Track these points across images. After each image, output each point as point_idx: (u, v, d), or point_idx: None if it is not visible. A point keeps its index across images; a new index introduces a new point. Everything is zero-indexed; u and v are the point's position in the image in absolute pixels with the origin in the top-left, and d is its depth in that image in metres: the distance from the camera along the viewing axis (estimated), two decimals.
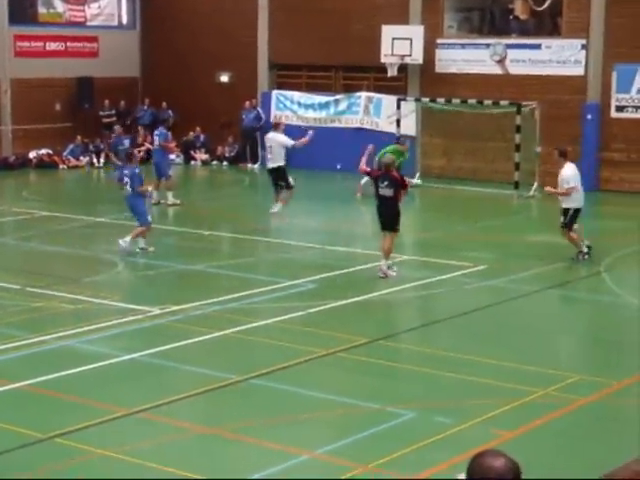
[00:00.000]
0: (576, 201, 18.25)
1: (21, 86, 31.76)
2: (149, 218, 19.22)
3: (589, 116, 27.50)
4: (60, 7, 33.26)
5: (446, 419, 10.61)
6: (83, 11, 33.88)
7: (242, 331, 13.89)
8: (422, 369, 12.41)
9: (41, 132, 31.99)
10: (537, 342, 13.77)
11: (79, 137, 32.39)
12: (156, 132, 25.31)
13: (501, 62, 28.72)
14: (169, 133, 25.77)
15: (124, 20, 35.27)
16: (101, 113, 33.19)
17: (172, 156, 28.01)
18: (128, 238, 18.61)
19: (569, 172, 18.34)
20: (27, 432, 10.10)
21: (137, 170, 19.07)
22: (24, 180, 29.78)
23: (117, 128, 28.82)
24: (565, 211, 18.28)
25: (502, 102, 27.38)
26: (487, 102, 27.61)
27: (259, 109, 32.06)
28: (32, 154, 31.75)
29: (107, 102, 33.15)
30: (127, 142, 27.97)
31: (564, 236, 18.44)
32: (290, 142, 22.89)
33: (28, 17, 32.82)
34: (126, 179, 18.90)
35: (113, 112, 33.43)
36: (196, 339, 13.51)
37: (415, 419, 10.73)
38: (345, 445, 10.00)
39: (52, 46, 32.78)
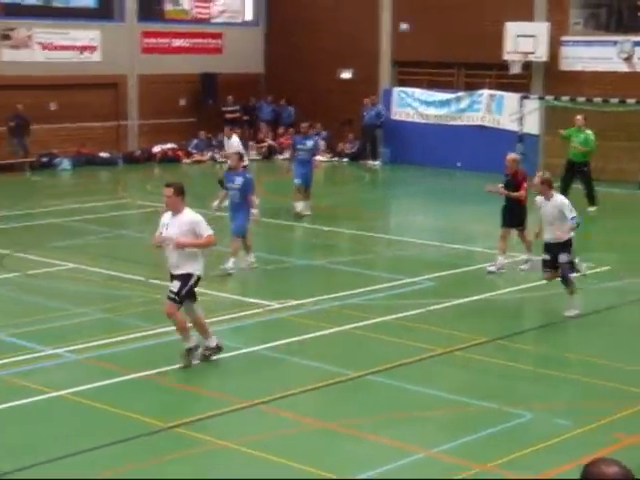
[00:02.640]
0: None
1: (147, 82, 32.44)
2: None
3: None
4: (186, 4, 33.86)
5: (566, 421, 10.47)
6: (208, 8, 34.42)
7: (360, 327, 13.93)
8: (541, 370, 12.27)
9: (165, 127, 32.62)
10: None
11: (202, 132, 32.91)
12: (310, 141, 23.07)
13: (628, 60, 28.13)
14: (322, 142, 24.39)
15: (248, 17, 35.69)
16: (224, 109, 33.64)
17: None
18: (231, 261, 16.93)
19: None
20: (149, 420, 10.33)
21: (249, 176, 17.51)
22: (148, 174, 30.37)
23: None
24: None
25: (628, 100, 26.83)
26: (613, 100, 27.09)
27: (380, 106, 32.07)
28: (156, 148, 32.39)
29: (230, 98, 33.58)
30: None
31: None
32: None
33: (155, 14, 33.48)
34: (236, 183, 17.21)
35: (237, 108, 33.85)
36: (314, 334, 13.60)
37: (534, 420, 10.61)
38: (462, 444, 9.95)
39: (178, 42, 33.38)
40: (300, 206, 22.19)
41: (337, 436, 10.20)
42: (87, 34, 31.34)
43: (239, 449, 9.70)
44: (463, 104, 30.95)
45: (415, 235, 20.86)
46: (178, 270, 12.04)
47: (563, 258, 14.53)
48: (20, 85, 29.56)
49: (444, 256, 18.85)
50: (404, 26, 32.01)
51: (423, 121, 31.55)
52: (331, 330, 13.82)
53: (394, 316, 14.47)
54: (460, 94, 31.00)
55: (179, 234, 11.99)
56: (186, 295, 12.02)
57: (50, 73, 30.17)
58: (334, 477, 9.19)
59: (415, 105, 31.85)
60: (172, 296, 11.97)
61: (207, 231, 12.22)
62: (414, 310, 14.75)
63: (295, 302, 15.13)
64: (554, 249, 14.64)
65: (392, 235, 20.97)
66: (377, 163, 31.85)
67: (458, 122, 30.95)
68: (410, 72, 32.54)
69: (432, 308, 14.91)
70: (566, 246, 14.54)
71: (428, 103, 31.63)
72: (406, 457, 9.71)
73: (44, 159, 30.20)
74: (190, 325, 12.29)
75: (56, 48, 30.70)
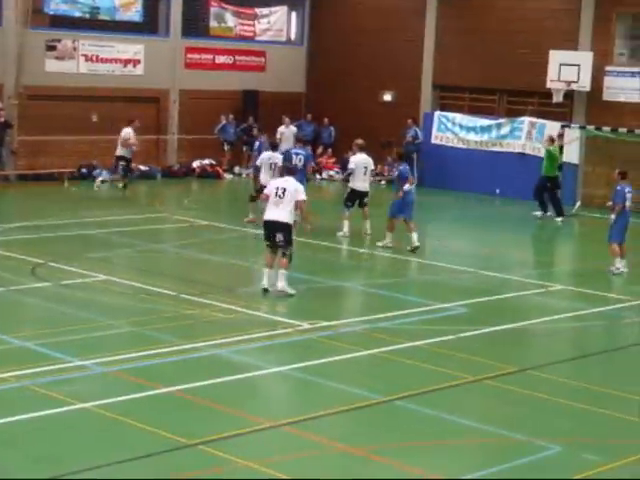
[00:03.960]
0: None
1: (189, 97, 32.57)
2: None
3: None
4: (231, 21, 33.99)
5: (595, 456, 10.30)
6: (253, 26, 34.53)
7: (389, 351, 13.83)
8: (572, 403, 12.10)
9: (205, 142, 32.71)
10: None
11: (244, 148, 33.02)
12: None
13: None
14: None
15: (292, 36, 35.79)
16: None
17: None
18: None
19: None
20: (173, 437, 10.27)
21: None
22: (186, 189, 30.47)
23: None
24: None
25: None
26: None
27: (416, 128, 31.97)
28: (195, 163, 32.48)
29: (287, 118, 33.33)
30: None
31: None
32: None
33: (200, 30, 33.64)
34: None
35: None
36: (344, 356, 13.51)
37: (562, 454, 10.44)
38: (489, 475, 9.79)
39: (221, 59, 33.52)
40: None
41: (362, 461, 10.09)
42: (131, 48, 31.54)
43: (260, 469, 9.62)
44: (504, 131, 30.81)
45: (450, 261, 20.72)
46: None
47: None
48: (63, 96, 29.76)
49: (478, 283, 18.71)
50: (388, 97, 32.35)
51: (463, 146, 31.43)
52: (360, 353, 13.72)
53: (425, 341, 14.34)
54: (501, 120, 30.88)
55: None
56: None
57: (93, 85, 30.38)
58: None
59: (455, 130, 31.75)
60: None
61: None
62: (445, 336, 14.62)
63: (325, 323, 15.05)
64: None
65: (426, 260, 20.84)
66: (412, 187, 31.69)
67: (498, 148, 30.82)
68: (452, 96, 32.48)
69: (463, 335, 14.77)
70: None
71: (469, 128, 31.52)
72: None
73: (83, 170, 30.38)
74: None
75: (100, 60, 30.94)
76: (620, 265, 19.56)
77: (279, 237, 16.53)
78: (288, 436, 10.65)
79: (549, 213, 26.50)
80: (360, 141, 23.07)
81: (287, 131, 31.56)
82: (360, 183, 22.50)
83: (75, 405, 11.13)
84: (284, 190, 16.58)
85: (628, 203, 19.73)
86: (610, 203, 19.87)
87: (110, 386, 11.98)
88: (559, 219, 26.13)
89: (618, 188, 19.78)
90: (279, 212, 16.53)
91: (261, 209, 18.11)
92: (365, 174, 22.51)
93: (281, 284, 16.49)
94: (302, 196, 16.72)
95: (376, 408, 11.61)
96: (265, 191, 17.20)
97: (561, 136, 27.38)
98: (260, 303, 16.23)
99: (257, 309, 15.78)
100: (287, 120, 32.09)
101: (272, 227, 16.64)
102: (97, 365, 12.61)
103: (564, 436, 10.93)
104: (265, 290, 16.59)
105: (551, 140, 26.95)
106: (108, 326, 14.49)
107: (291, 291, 16.54)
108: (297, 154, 23.47)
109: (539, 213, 26.53)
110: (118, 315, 15.22)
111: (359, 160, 22.54)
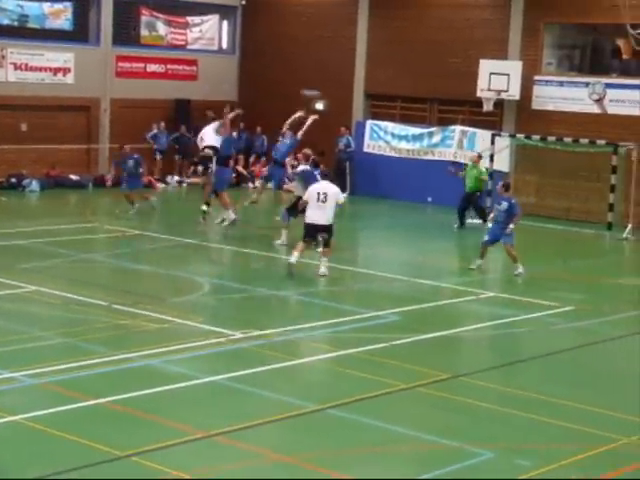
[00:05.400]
0: None
1: (120, 106, 32.33)
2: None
3: None
4: (162, 30, 33.83)
5: (525, 462, 10.39)
6: (185, 34, 34.41)
7: (323, 360, 13.84)
8: (503, 409, 12.20)
9: (138, 152, 32.44)
10: (624, 388, 13.45)
11: (176, 157, 32.83)
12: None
13: (599, 101, 28.33)
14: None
15: (224, 44, 35.72)
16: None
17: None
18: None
19: None
20: (105, 449, 10.16)
21: None
22: (118, 198, 30.18)
23: (126, 147, 27.47)
24: None
25: (599, 142, 27.00)
26: (583, 141, 27.26)
27: (348, 137, 32.10)
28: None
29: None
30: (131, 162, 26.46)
31: None
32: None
33: (131, 39, 33.43)
34: None
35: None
36: (277, 365, 13.49)
37: (494, 459, 10.53)
38: None
39: (152, 68, 33.34)
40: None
41: (296, 470, 10.07)
42: (61, 56, 31.23)
43: None
44: (435, 139, 31.05)
45: (382, 269, 20.80)
46: None
47: None
48: None
49: (410, 291, 18.81)
50: (320, 105, 32.52)
51: (395, 155, 31.60)
52: (294, 362, 13.71)
53: (358, 349, 14.37)
54: (432, 129, 31.11)
55: None
56: None
57: (22, 93, 30.02)
58: None
59: (387, 138, 31.92)
60: None
61: None
62: (378, 344, 14.67)
63: (259, 332, 15.01)
64: None
65: (359, 268, 20.92)
66: (344, 195, 31.81)
67: (430, 157, 31.04)
68: (384, 105, 32.67)
69: (396, 343, 14.83)
70: None
71: (400, 137, 31.70)
72: None
73: (12, 179, 29.99)
74: None
75: (29, 69, 30.59)
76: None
77: (323, 235, 19.13)
78: (221, 446, 10.60)
79: (476, 221, 26.51)
80: (308, 151, 22.50)
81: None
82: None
83: (4, 418, 10.96)
84: (325, 194, 18.99)
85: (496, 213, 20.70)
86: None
87: (40, 398, 11.83)
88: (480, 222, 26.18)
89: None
90: (322, 215, 18.98)
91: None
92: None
93: (323, 269, 19.01)
94: (342, 199, 19.52)
95: (310, 417, 11.60)
96: (305, 196, 19.40)
97: (480, 157, 27.42)
98: (193, 313, 16.14)
99: (190, 319, 15.69)
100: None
101: (316, 228, 19.09)
102: (27, 377, 12.44)
103: (496, 442, 11.02)
104: (291, 265, 18.90)
105: (478, 157, 27.15)
106: (38, 337, 14.29)
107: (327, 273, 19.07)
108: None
109: (478, 221, 26.51)
110: (49, 326, 15.04)
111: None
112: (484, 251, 20.78)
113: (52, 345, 14.12)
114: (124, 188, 26.26)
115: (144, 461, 9.95)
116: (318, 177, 21.15)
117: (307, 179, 21.15)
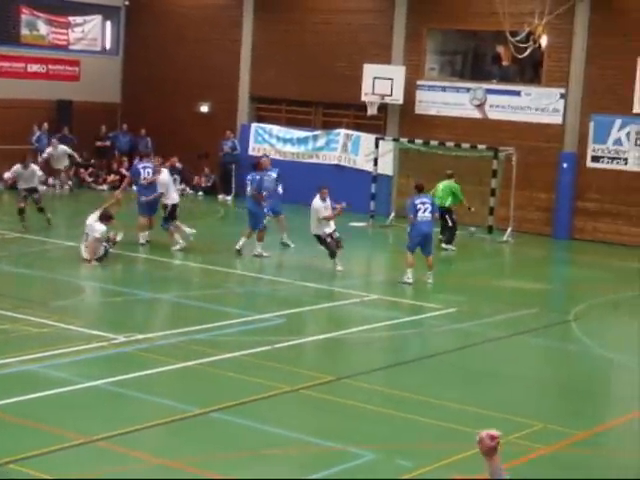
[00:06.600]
0: None
1: (0, 106, 31.63)
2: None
3: (565, 165, 27.68)
4: (43, 29, 33.23)
5: (407, 462, 10.52)
6: (67, 34, 33.86)
7: (207, 363, 13.78)
8: (385, 410, 12.33)
9: (17, 153, 31.74)
10: (503, 388, 13.74)
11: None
12: (248, 177, 23.33)
13: (480, 107, 28.87)
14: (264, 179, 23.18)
15: (107, 45, 35.27)
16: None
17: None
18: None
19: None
20: None
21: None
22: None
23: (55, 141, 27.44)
24: None
25: (480, 146, 27.50)
26: (465, 145, 27.73)
27: (234, 139, 32.09)
28: (7, 174, 31.49)
29: (103, 128, 33.52)
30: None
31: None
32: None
33: (11, 38, 32.75)
34: None
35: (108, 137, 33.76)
36: (160, 369, 13.39)
37: (375, 460, 10.63)
38: None
39: (33, 68, 32.74)
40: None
41: (178, 474, 10.01)
42: None
43: None
44: (320, 142, 31.23)
45: (268, 272, 20.82)
46: None
47: None
48: None
49: (295, 293, 18.87)
50: (204, 108, 32.58)
51: (280, 158, 31.63)
52: (177, 365, 13.62)
53: (242, 352, 14.36)
54: (317, 132, 31.28)
55: None
56: None
57: None
58: None
59: (272, 141, 31.97)
60: None
61: None
62: (262, 347, 14.68)
63: (141, 336, 14.87)
64: None
65: (243, 271, 20.89)
66: (229, 198, 31.89)
67: (314, 160, 31.20)
68: (269, 108, 32.72)
69: (280, 345, 14.86)
70: None
71: (285, 140, 31.80)
72: None
73: None
74: None
75: None
76: (411, 276, 19.88)
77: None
78: (103, 451, 10.47)
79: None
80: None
81: (56, 152, 30.82)
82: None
83: None
84: None
85: (422, 214, 20.01)
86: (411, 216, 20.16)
87: None
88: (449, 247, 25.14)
89: (408, 201, 20.37)
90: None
91: None
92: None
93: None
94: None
95: (192, 420, 11.54)
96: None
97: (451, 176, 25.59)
98: (74, 317, 15.91)
99: (71, 323, 15.45)
100: (54, 141, 31.08)
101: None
102: None
103: (378, 443, 11.12)
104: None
105: (449, 176, 25.48)
106: None
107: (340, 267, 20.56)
108: (145, 168, 23.00)
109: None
110: None
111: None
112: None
113: None
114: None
115: (22, 468, 9.76)
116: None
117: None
